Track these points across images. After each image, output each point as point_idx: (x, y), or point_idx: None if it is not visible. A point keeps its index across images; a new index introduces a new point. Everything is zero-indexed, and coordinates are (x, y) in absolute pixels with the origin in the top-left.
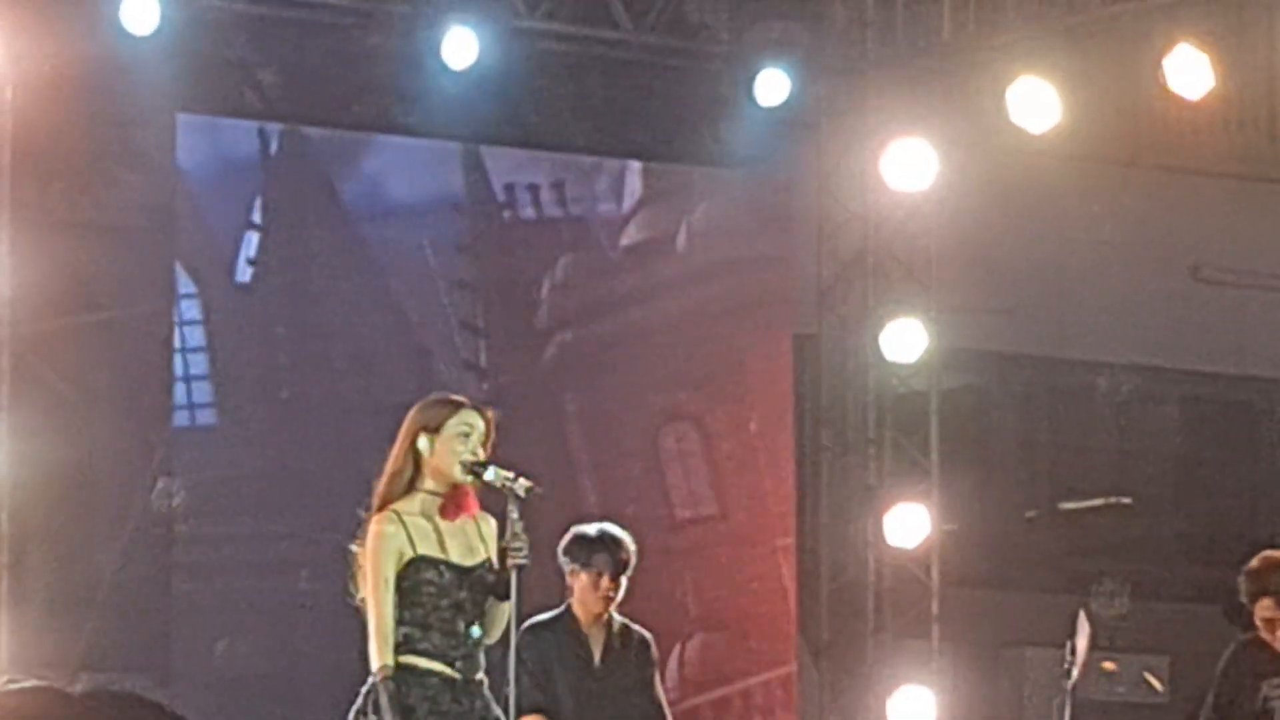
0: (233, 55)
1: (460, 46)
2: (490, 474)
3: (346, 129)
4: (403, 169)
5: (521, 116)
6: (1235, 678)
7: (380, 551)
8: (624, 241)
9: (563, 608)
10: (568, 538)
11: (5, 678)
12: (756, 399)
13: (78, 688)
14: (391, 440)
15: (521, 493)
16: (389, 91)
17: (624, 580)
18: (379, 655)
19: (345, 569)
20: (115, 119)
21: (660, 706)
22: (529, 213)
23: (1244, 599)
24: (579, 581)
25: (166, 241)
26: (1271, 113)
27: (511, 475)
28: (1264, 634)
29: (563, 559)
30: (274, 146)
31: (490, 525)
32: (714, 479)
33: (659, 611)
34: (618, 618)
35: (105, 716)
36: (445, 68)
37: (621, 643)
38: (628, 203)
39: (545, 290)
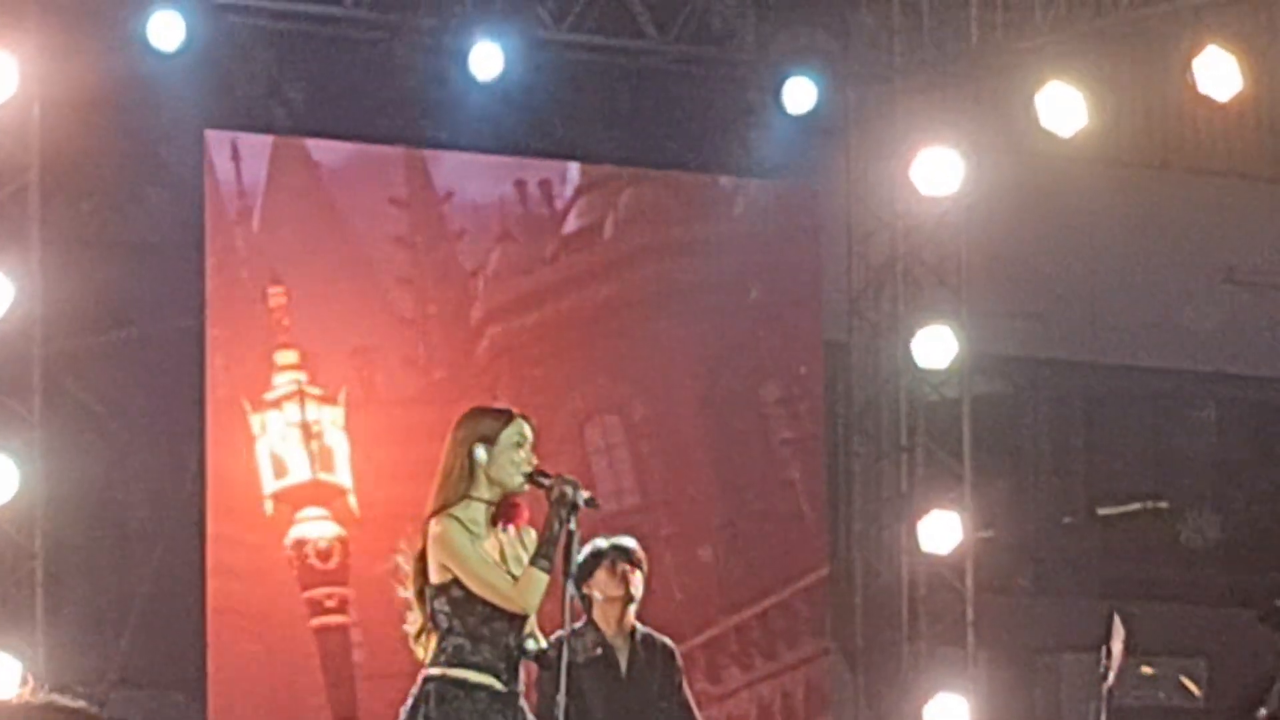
0: (259, 71)
1: (487, 59)
2: (549, 483)
3: (374, 143)
4: (352, 170)
5: (549, 128)
6: None
7: (455, 538)
8: (564, 230)
9: (583, 621)
10: (582, 554)
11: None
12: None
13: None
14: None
15: (582, 502)
16: (416, 105)
17: (639, 575)
18: (515, 601)
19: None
20: (143, 136)
21: (690, 712)
22: (467, 209)
23: None
24: (596, 582)
25: (196, 258)
26: None
27: (572, 484)
28: None
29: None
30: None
31: (532, 536)
32: (639, 472)
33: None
34: (640, 627)
35: None
36: (472, 80)
37: (646, 651)
38: (564, 198)
39: (480, 284)
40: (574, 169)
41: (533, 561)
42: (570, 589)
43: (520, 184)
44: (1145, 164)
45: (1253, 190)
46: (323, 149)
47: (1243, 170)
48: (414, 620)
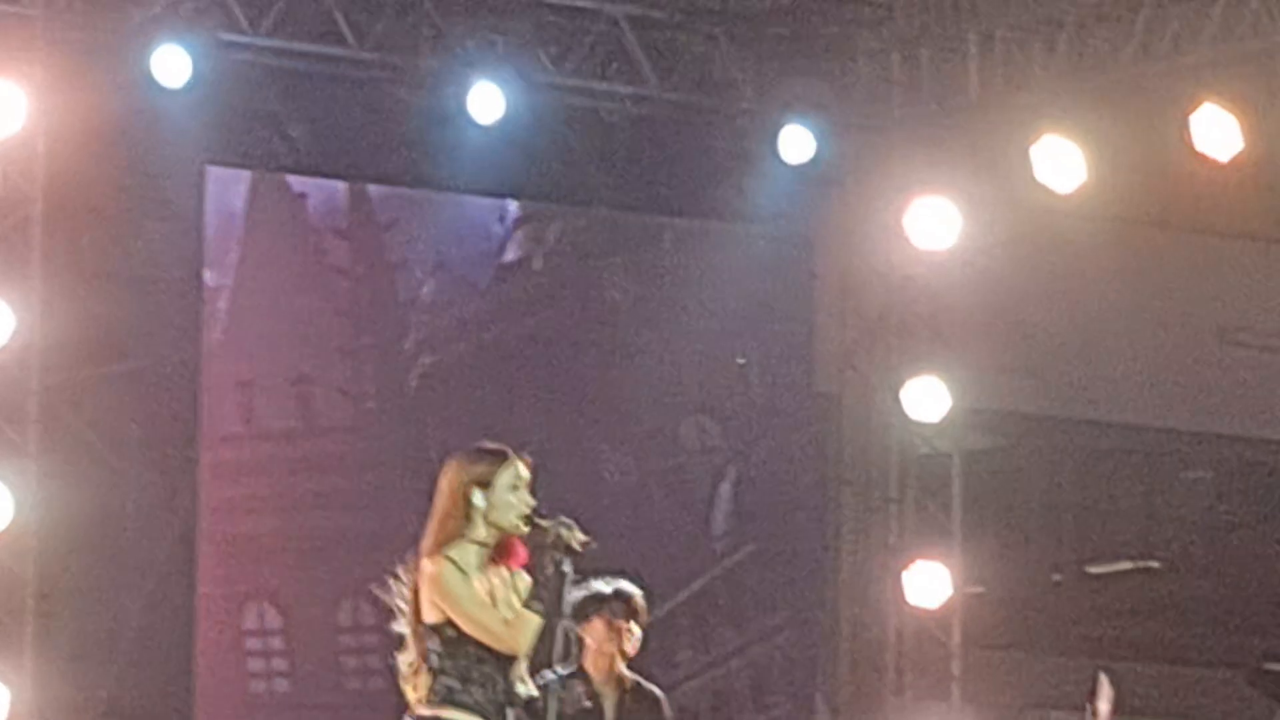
0: (262, 108)
1: (487, 101)
2: (547, 525)
3: (374, 182)
4: (312, 203)
5: (547, 171)
6: None
7: (449, 579)
8: (501, 260)
9: (574, 666)
10: (579, 595)
11: None
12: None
13: None
14: (275, 470)
15: (576, 545)
16: (417, 146)
17: (636, 627)
18: (507, 642)
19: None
20: (145, 170)
21: None
22: (406, 240)
23: None
24: (591, 629)
25: (194, 292)
26: None
27: (568, 525)
28: None
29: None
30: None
31: (525, 578)
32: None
33: None
34: (629, 675)
35: None
36: (473, 122)
37: (634, 702)
38: (503, 231)
39: (414, 314)
40: (513, 204)
41: (527, 604)
42: (561, 630)
43: (460, 216)
44: (1143, 221)
45: (1251, 250)
46: (300, 183)
47: (1241, 230)
48: (406, 658)
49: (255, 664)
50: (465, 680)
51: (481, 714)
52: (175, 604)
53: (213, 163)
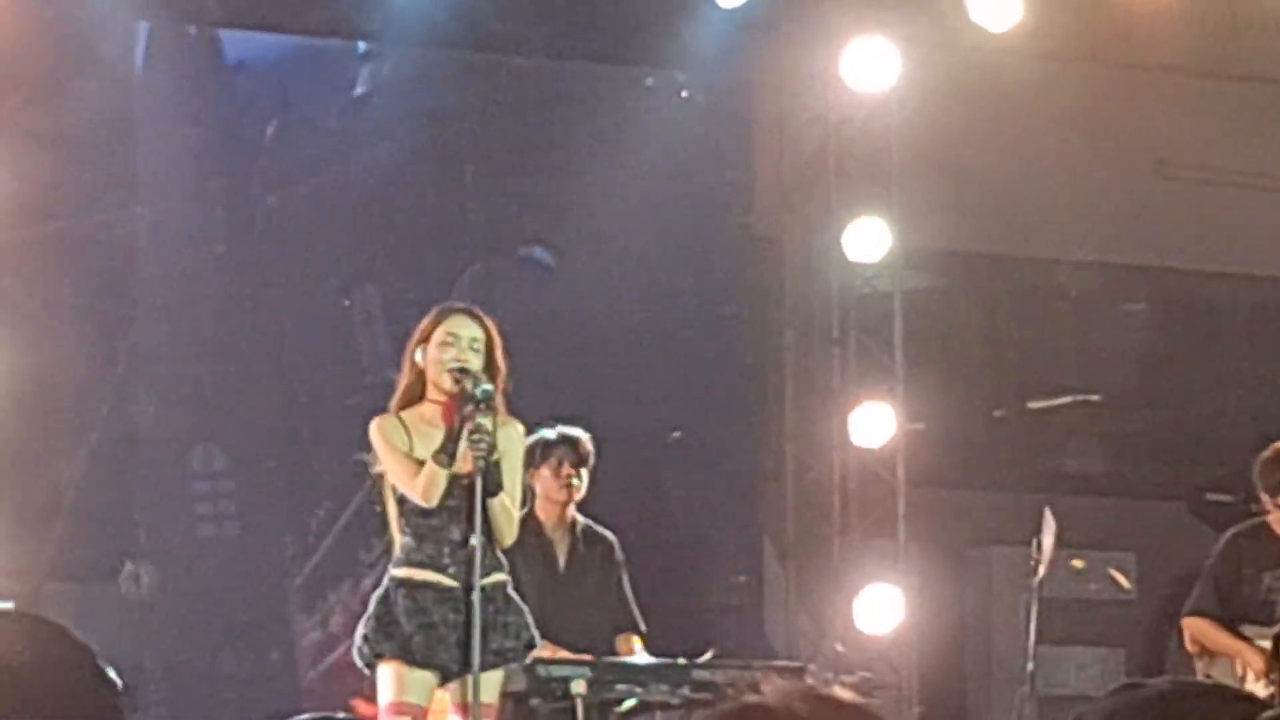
0: None
1: None
2: (461, 379)
3: (305, 35)
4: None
5: (479, 20)
6: (1235, 567)
7: (377, 434)
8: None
9: (524, 511)
10: (528, 440)
11: None
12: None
13: None
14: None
15: (480, 394)
16: None
17: (584, 472)
18: (417, 487)
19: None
20: (75, 27)
21: (628, 607)
22: (255, 81)
23: (1261, 491)
24: (539, 477)
25: (127, 150)
26: (1232, 7)
27: (475, 379)
28: (1278, 527)
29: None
30: None
31: (517, 429)
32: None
33: None
34: (581, 519)
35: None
36: None
37: (586, 546)
38: (351, 69)
39: (259, 154)
40: (360, 45)
41: (434, 456)
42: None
43: (310, 57)
44: (1076, 57)
45: (1182, 83)
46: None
47: (1174, 64)
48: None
49: None
50: (418, 537)
51: (435, 568)
52: (117, 460)
53: (144, 18)
